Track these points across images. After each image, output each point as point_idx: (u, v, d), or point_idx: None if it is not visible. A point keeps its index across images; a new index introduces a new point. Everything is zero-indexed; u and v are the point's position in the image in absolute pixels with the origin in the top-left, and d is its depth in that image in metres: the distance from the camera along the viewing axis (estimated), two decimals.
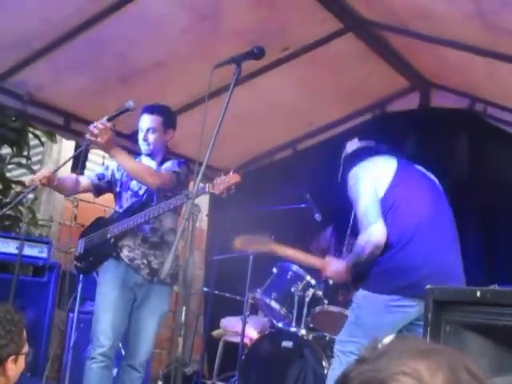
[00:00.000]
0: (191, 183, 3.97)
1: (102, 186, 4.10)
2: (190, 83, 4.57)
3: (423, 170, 3.63)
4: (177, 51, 4.33)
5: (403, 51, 4.69)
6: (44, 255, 4.95)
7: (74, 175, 4.14)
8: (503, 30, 3.51)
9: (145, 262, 3.79)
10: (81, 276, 4.59)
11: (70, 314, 4.94)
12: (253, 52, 2.82)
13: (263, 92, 4.93)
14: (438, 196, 3.51)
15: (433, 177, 3.61)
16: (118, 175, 4.06)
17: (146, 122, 3.97)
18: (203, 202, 6.25)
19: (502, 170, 4.81)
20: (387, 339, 0.99)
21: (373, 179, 3.37)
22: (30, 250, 4.82)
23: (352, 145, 3.74)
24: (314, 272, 4.73)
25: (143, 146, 3.99)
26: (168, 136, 4.02)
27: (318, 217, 4.61)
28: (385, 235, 3.24)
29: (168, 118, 4.02)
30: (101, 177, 4.10)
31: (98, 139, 3.50)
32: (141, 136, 3.98)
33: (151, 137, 3.95)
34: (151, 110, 3.98)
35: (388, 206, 3.30)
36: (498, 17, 3.42)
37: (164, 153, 4.06)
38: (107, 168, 4.12)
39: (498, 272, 4.60)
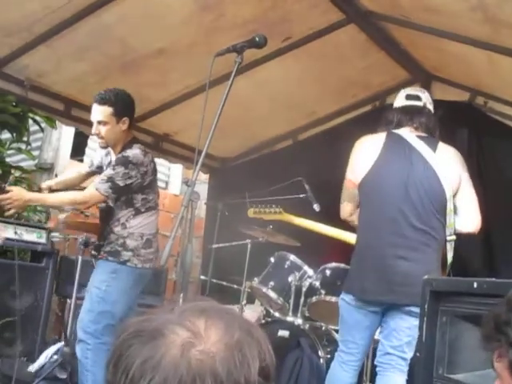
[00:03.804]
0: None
1: (97, 171, 4.11)
2: (192, 71, 4.57)
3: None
4: (179, 39, 4.31)
5: (405, 43, 4.68)
6: (43, 241, 4.95)
7: (75, 170, 4.20)
8: (505, 24, 3.51)
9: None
10: (79, 262, 4.61)
11: (68, 300, 4.97)
12: (254, 40, 2.80)
13: (264, 82, 4.93)
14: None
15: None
16: (104, 161, 4.04)
17: (95, 113, 3.76)
18: (202, 190, 6.26)
19: (501, 164, 4.82)
20: None
21: None
22: (29, 236, 4.82)
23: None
24: (312, 262, 4.75)
25: (97, 140, 3.84)
26: (123, 125, 3.79)
27: (316, 207, 4.61)
28: None
29: (120, 106, 3.75)
30: (90, 164, 4.16)
31: (12, 208, 3.55)
32: (92, 129, 3.79)
33: (102, 130, 3.75)
34: (100, 100, 3.73)
35: None
36: (499, 10, 3.41)
37: (124, 141, 3.86)
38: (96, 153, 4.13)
39: (497, 265, 4.62)
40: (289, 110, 5.50)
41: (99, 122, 3.74)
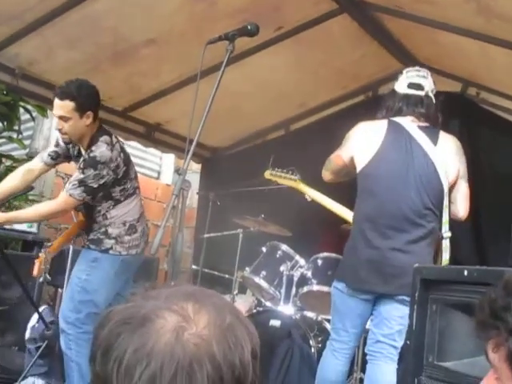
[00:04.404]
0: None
1: (62, 161, 4.00)
2: (183, 61, 4.55)
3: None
4: (170, 28, 4.29)
5: (397, 33, 4.68)
6: (34, 230, 4.94)
7: (23, 169, 3.96)
8: (498, 15, 3.51)
9: None
10: (70, 252, 4.59)
11: (59, 290, 4.95)
12: (247, 29, 2.78)
13: (256, 71, 4.91)
14: None
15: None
16: (72, 151, 3.90)
17: (56, 109, 3.53)
18: (194, 180, 6.26)
19: (493, 154, 4.83)
20: None
21: None
22: (20, 225, 4.81)
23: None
24: (303, 252, 4.76)
25: (60, 135, 3.68)
26: (87, 120, 3.56)
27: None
28: None
29: (82, 100, 3.51)
30: (55, 156, 3.93)
31: None
32: (56, 124, 3.63)
33: (65, 126, 3.54)
34: (60, 93, 3.49)
35: None
36: (493, 1, 3.41)
37: (90, 134, 3.65)
38: (57, 144, 3.93)
39: (487, 253, 4.64)
40: (281, 100, 5.49)
41: (61, 118, 3.55)
